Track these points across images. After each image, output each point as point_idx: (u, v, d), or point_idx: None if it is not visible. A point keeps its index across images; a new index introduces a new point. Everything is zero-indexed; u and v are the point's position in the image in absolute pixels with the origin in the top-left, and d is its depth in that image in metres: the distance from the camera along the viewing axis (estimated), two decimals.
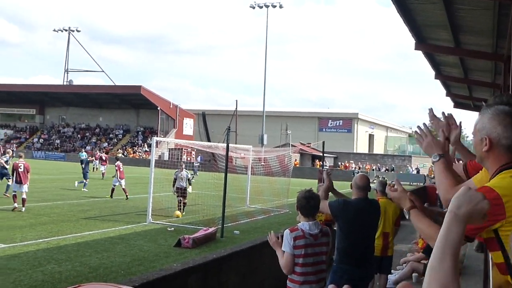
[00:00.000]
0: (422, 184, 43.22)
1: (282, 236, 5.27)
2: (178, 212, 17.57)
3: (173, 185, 18.34)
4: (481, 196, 1.55)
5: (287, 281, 5.25)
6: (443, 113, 3.10)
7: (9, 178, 20.58)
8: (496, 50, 14.68)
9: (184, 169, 18.32)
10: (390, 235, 8.64)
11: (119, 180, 22.98)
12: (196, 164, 33.65)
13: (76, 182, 26.49)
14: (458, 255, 1.61)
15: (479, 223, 1.55)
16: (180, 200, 18.14)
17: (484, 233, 2.29)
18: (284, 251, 5.16)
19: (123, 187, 22.91)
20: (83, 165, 27.02)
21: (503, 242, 2.22)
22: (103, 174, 35.23)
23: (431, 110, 3.04)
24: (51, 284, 8.65)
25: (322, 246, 5.28)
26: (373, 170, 55.91)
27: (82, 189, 25.43)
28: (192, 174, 32.78)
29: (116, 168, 23.42)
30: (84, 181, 26.08)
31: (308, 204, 5.24)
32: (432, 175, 49.31)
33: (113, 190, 22.89)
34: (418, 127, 2.92)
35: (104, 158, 36.94)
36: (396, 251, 10.95)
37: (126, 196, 22.64)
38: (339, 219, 6.17)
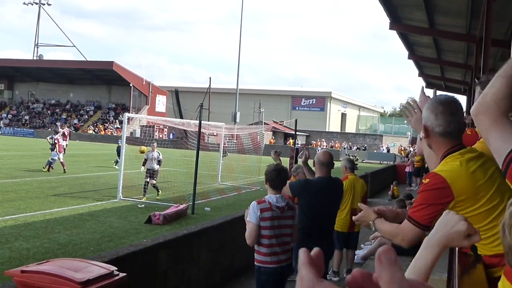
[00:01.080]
0: (392, 162, 43.73)
1: None
2: (145, 198, 16.42)
3: (143, 164, 17.21)
4: (458, 218, 1.53)
5: (255, 253, 5.33)
6: (422, 87, 3.10)
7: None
8: (469, 31, 14.82)
9: (156, 150, 17.17)
10: (358, 211, 8.71)
11: (58, 153, 23.17)
12: (225, 145, 33.34)
13: (115, 164, 26.19)
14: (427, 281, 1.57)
15: (464, 245, 1.54)
16: (147, 182, 16.68)
17: None
18: (248, 222, 5.22)
19: (61, 160, 23.04)
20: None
21: None
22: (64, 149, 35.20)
23: (422, 88, 3.03)
24: (18, 261, 8.52)
25: (288, 219, 5.35)
26: (344, 148, 56.33)
27: (115, 166, 25.60)
28: (224, 155, 32.58)
29: (56, 141, 23.58)
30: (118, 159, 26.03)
31: (278, 176, 5.34)
32: (403, 155, 49.94)
33: (50, 164, 23.04)
34: (408, 102, 2.92)
35: (66, 133, 36.95)
36: (365, 228, 11.06)
37: (64, 170, 22.77)
38: (300, 199, 6.14)
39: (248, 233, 5.20)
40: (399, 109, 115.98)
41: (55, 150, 23.23)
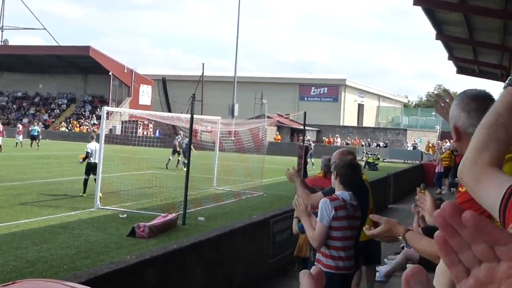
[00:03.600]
0: (418, 162, 43.71)
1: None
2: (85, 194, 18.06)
3: (84, 159, 18.50)
4: None
5: (322, 257, 5.38)
6: (444, 89, 3.09)
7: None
8: (506, 7, 14.75)
9: (95, 140, 18.29)
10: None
11: None
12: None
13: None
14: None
15: None
16: (87, 179, 18.30)
17: None
18: (318, 222, 5.26)
19: None
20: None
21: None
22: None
23: (444, 89, 3.02)
24: None
25: (358, 220, 5.49)
26: (362, 145, 56.37)
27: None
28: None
29: None
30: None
31: (353, 172, 5.46)
32: (432, 152, 49.89)
33: None
34: (443, 90, 2.92)
35: (1, 129, 39.70)
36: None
37: None
38: None
39: (316, 235, 5.25)
40: (426, 99, 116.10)
41: None
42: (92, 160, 18.13)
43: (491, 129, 1.69)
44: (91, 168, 18.15)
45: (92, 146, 18.28)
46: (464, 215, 0.68)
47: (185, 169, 27.14)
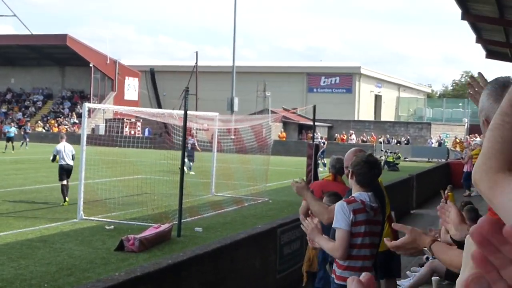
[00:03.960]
0: (444, 160, 43.66)
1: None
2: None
3: (53, 160, 18.90)
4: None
5: (336, 267, 5.37)
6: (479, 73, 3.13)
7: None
8: None
9: (65, 141, 18.84)
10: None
11: None
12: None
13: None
14: None
15: None
16: (64, 185, 18.56)
17: None
18: (336, 229, 5.23)
19: None
20: None
21: None
22: None
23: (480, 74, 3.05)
24: None
25: (378, 225, 5.50)
26: (380, 143, 56.29)
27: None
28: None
29: None
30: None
31: (371, 171, 5.39)
32: (459, 149, 49.86)
33: None
34: (475, 76, 2.95)
35: None
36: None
37: None
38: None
39: (338, 244, 5.19)
40: (452, 88, 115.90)
41: None
42: (63, 162, 18.49)
43: (497, 131, 1.71)
44: (64, 171, 18.49)
45: (61, 146, 18.68)
46: (506, 229, 0.70)
47: (191, 173, 27.46)
